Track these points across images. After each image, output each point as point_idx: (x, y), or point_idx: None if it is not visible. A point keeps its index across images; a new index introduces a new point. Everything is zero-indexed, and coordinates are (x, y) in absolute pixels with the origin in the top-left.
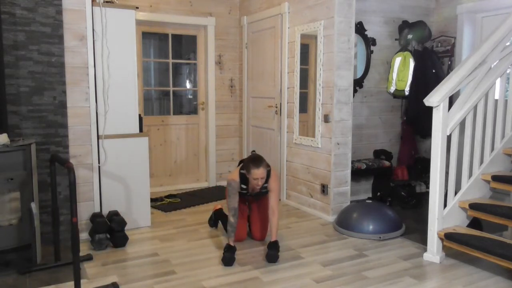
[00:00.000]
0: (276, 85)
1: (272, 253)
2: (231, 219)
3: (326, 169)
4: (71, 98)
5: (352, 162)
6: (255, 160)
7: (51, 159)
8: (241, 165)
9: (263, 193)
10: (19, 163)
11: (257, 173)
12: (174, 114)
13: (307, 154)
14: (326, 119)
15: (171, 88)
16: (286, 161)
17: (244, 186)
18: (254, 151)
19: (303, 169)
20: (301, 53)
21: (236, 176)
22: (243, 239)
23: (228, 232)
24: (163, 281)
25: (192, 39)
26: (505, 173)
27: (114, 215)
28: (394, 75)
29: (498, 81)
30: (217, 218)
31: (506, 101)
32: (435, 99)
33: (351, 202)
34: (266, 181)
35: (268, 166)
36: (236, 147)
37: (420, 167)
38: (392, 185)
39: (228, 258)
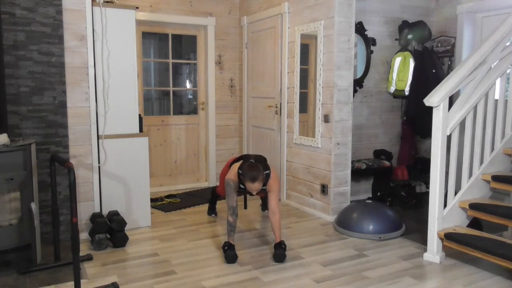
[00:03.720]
0: (276, 85)
1: (279, 253)
2: (230, 218)
3: (326, 169)
4: (71, 98)
5: (352, 162)
6: (252, 171)
7: (51, 159)
8: (239, 163)
9: (263, 189)
10: (19, 163)
11: (252, 187)
12: (174, 114)
13: (307, 154)
14: (326, 119)
15: (171, 88)
16: (286, 161)
17: (242, 186)
18: (256, 158)
19: (303, 169)
20: (301, 53)
21: (234, 176)
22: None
23: (228, 231)
24: (163, 281)
25: (192, 39)
26: (505, 173)
27: (114, 215)
28: (394, 75)
29: (498, 81)
30: (212, 198)
31: (506, 101)
32: (435, 99)
33: (351, 202)
34: (265, 182)
35: (267, 169)
36: (236, 147)
37: (420, 167)
38: (392, 185)
39: (231, 256)
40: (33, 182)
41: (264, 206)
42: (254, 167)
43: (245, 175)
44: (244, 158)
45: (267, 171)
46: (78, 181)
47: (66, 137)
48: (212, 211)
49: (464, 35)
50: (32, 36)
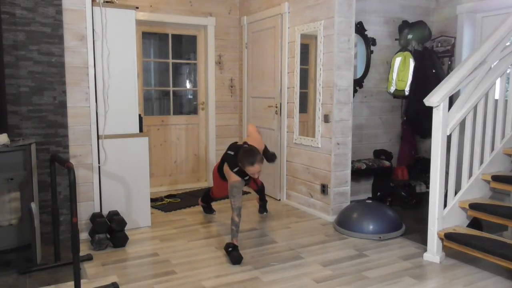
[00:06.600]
0: (276, 85)
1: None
2: (236, 218)
3: (326, 169)
4: (71, 98)
5: (352, 162)
6: (248, 156)
7: (51, 159)
8: (229, 162)
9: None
10: (19, 163)
11: (253, 170)
12: (174, 114)
13: (307, 154)
14: (326, 119)
15: (171, 88)
16: (286, 161)
17: (246, 178)
18: (246, 143)
19: (303, 169)
20: (301, 53)
21: (236, 177)
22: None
23: (233, 232)
24: (163, 281)
25: (192, 39)
26: (505, 173)
27: (114, 215)
28: (394, 75)
29: (498, 81)
30: (204, 197)
31: (506, 101)
32: (435, 99)
33: (351, 202)
34: None
35: (260, 154)
36: None
37: (420, 167)
38: (392, 185)
39: (237, 257)
40: (33, 182)
41: (262, 208)
42: (248, 151)
43: (244, 161)
44: (233, 151)
45: (259, 155)
46: (78, 181)
47: (66, 137)
48: (209, 210)
49: (464, 35)
50: (32, 36)
